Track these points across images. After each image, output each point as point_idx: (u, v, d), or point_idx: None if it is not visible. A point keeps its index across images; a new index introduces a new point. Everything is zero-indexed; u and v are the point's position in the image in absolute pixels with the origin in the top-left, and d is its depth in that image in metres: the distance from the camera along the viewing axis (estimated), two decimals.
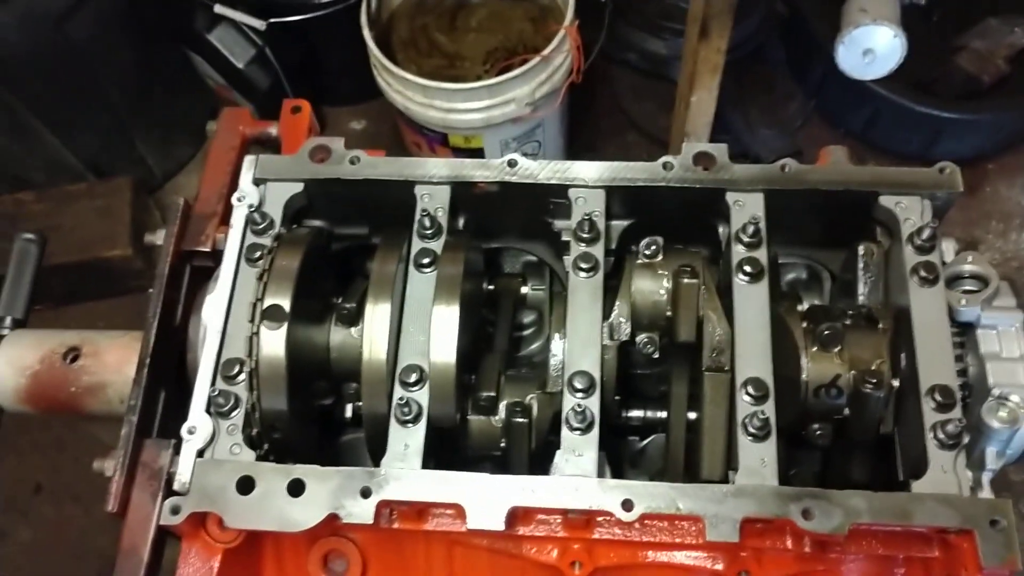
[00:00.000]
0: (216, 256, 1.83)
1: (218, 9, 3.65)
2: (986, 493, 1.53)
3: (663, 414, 1.80)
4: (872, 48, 3.37)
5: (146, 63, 3.80)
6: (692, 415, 1.70)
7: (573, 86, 3.28)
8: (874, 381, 1.54)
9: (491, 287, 1.92)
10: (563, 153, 3.74)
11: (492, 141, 3.33)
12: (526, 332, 2.04)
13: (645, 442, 1.92)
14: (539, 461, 1.64)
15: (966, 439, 1.51)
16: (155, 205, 4.01)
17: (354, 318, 1.73)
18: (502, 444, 1.69)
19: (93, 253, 3.63)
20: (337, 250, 1.93)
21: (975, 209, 3.85)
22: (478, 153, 3.36)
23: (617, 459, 1.86)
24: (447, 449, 1.67)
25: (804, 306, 1.86)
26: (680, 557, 1.62)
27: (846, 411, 1.60)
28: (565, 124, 3.63)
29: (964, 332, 1.64)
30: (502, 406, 1.70)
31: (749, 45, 3.88)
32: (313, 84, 4.04)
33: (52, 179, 3.81)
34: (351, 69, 3.68)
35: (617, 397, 1.75)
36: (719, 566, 1.61)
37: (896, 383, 1.60)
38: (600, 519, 1.58)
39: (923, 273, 1.62)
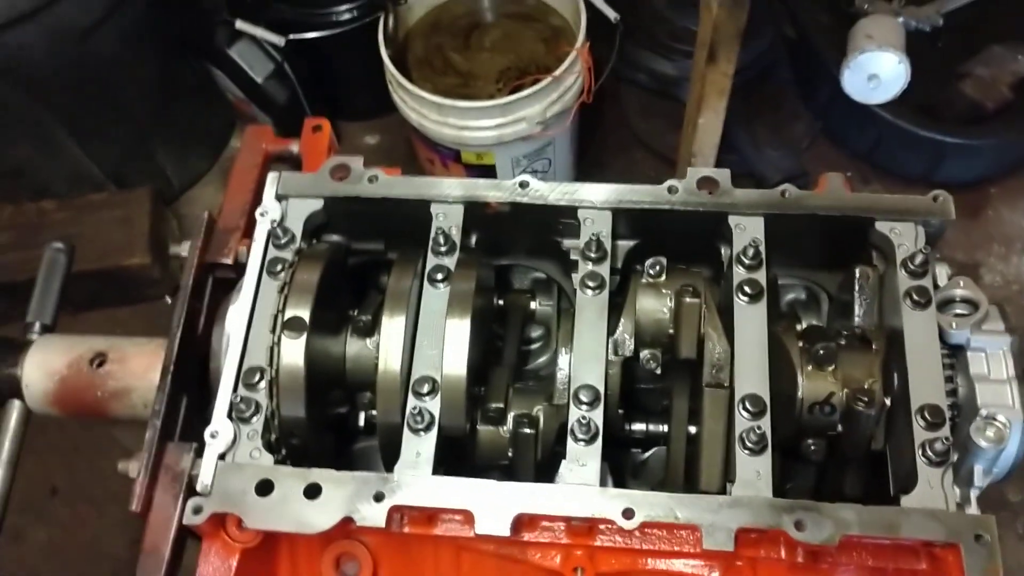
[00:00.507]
0: (238, 268, 1.90)
1: (239, 25, 3.74)
2: (973, 509, 1.59)
3: (664, 428, 1.86)
4: (877, 73, 3.44)
5: (168, 77, 3.89)
6: (692, 429, 1.77)
7: (583, 105, 3.36)
8: (866, 400, 1.61)
9: (501, 303, 1.99)
10: (573, 170, 3.82)
11: (504, 158, 3.40)
12: (534, 346, 2.12)
13: (647, 454, 1.99)
14: (545, 470, 1.70)
15: (954, 457, 1.57)
16: (172, 215, 4.10)
17: (370, 330, 1.81)
18: (509, 454, 1.76)
19: (112, 261, 3.71)
20: (354, 264, 2.00)
21: (977, 232, 3.91)
22: (490, 170, 3.44)
23: (620, 470, 1.93)
24: (457, 458, 1.74)
25: (802, 326, 1.93)
26: (678, 565, 1.68)
27: (839, 428, 1.67)
28: (575, 142, 3.71)
29: (954, 354, 1.71)
30: (510, 417, 1.77)
31: (757, 67, 3.95)
32: (329, 99, 4.13)
33: (74, 189, 3.91)
34: (366, 85, 3.77)
35: (620, 411, 1.81)
36: (715, 574, 1.68)
37: (888, 401, 1.66)
38: (602, 527, 1.65)
39: (915, 297, 1.69)
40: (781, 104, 4.16)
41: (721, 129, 3.25)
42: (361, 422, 1.91)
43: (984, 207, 3.97)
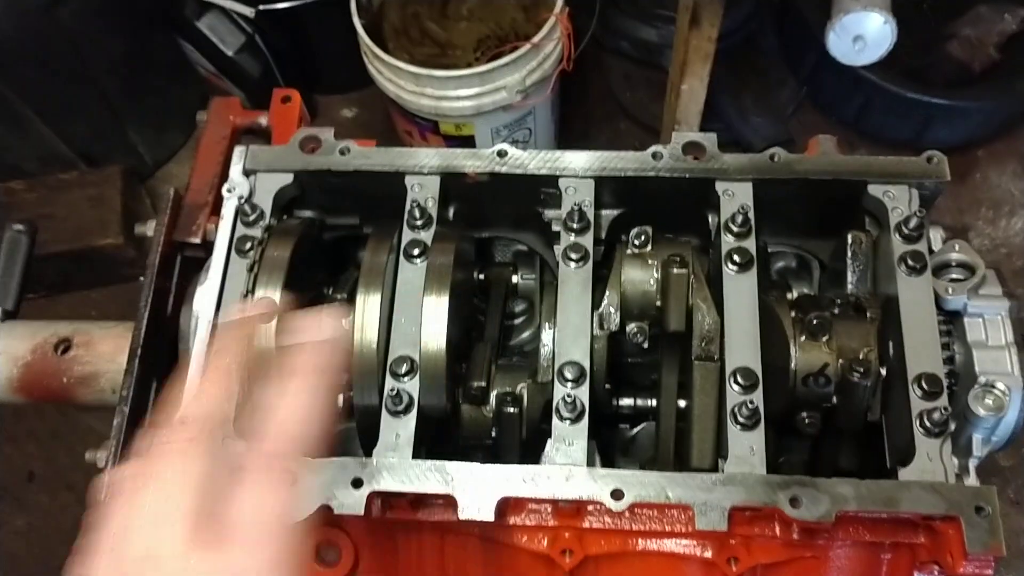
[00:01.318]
0: (207, 247, 1.83)
1: None
2: (972, 480, 1.54)
3: (653, 402, 1.80)
4: (863, 35, 3.36)
5: (137, 51, 3.79)
6: (682, 403, 1.71)
7: (565, 74, 3.28)
8: (861, 370, 1.55)
9: (482, 276, 1.93)
10: (554, 141, 3.75)
11: (483, 129, 3.33)
12: (517, 321, 2.05)
13: (636, 430, 1.93)
14: (530, 450, 1.65)
15: (952, 427, 1.53)
16: (146, 193, 4.02)
17: (345, 309, 1.74)
18: (493, 433, 1.70)
19: (85, 242, 3.63)
20: (329, 240, 1.93)
21: (965, 196, 3.87)
22: (469, 141, 3.36)
23: (608, 448, 1.87)
24: (438, 438, 1.68)
25: (794, 294, 1.87)
26: (670, 545, 1.63)
27: (834, 399, 1.61)
28: (556, 112, 3.64)
29: (951, 320, 1.66)
30: (493, 396, 1.71)
31: (742, 33, 3.88)
32: (304, 72, 4.03)
33: (44, 168, 3.81)
34: (342, 57, 3.67)
35: (607, 386, 1.76)
36: (708, 553, 1.62)
37: (883, 371, 1.61)
38: (590, 507, 1.59)
39: (910, 262, 1.63)
40: (766, 71, 4.09)
41: (705, 96, 3.18)
42: (339, 404, 1.84)
43: (972, 170, 3.93)
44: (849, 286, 1.72)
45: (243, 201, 1.75)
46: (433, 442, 1.64)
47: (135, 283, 1.91)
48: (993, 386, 1.57)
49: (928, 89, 3.67)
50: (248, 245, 1.71)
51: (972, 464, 1.57)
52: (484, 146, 3.33)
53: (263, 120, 2.03)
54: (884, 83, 3.67)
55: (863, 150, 3.98)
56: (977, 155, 3.95)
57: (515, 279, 1.97)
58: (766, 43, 4.07)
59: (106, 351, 1.81)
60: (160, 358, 1.80)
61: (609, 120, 4.14)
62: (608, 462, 1.62)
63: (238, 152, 1.81)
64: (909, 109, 3.70)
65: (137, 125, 4.00)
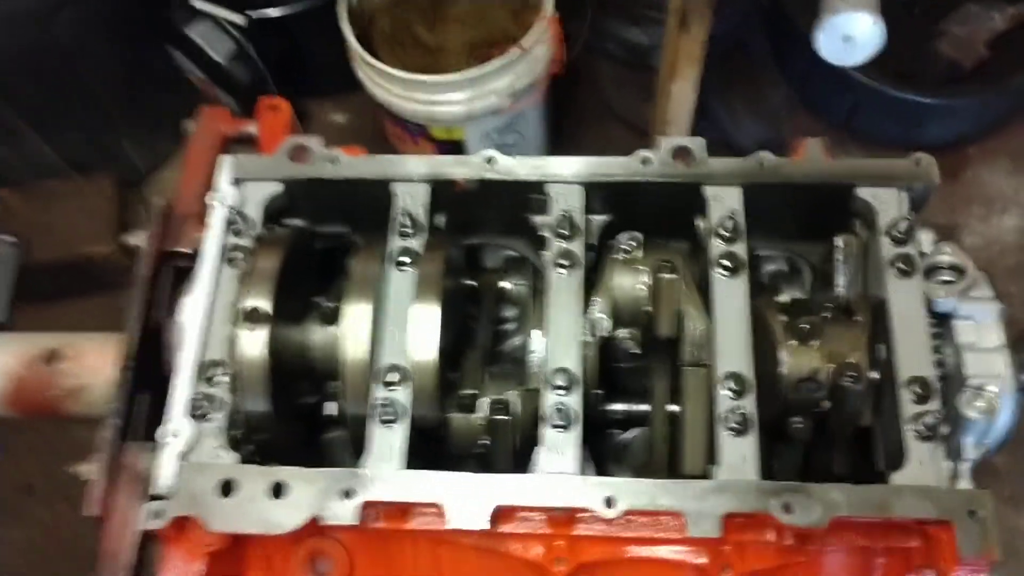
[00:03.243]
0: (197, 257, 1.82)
1: (197, 4, 3.62)
2: (965, 483, 1.54)
3: (645, 407, 1.80)
4: (851, 35, 3.36)
5: (129, 60, 3.78)
6: (674, 408, 1.71)
7: (555, 77, 3.27)
8: (853, 375, 1.55)
9: (472, 283, 1.92)
10: (545, 144, 3.74)
11: (474, 133, 3.32)
12: (508, 327, 2.04)
13: (628, 436, 1.93)
14: (522, 457, 1.64)
15: (945, 431, 1.52)
16: (138, 201, 4.00)
17: (334, 317, 1.73)
18: (485, 441, 1.70)
19: (77, 251, 3.61)
20: (318, 248, 1.92)
21: (957, 194, 3.86)
22: (460, 145, 3.36)
23: (600, 454, 1.86)
24: (430, 447, 1.68)
25: (784, 298, 1.87)
26: (663, 552, 1.62)
27: (825, 404, 1.61)
28: (547, 115, 3.63)
29: (941, 323, 1.65)
30: (484, 403, 1.70)
31: (732, 37, 3.88)
32: (295, 78, 4.01)
33: (35, 177, 3.79)
34: (333, 62, 3.65)
35: (599, 391, 1.75)
36: (702, 560, 1.62)
37: (875, 375, 1.61)
38: (583, 515, 1.58)
39: (900, 265, 1.63)
40: (757, 74, 4.09)
41: (694, 98, 3.17)
42: (332, 411, 1.84)
43: (963, 168, 3.92)
44: (839, 289, 1.72)
45: (232, 211, 1.74)
46: (424, 450, 1.63)
47: (128, 291, 1.90)
48: (984, 389, 1.57)
49: (919, 88, 3.67)
50: (238, 255, 1.70)
51: (965, 467, 1.56)
52: (475, 150, 3.35)
53: (252, 129, 2.03)
54: (874, 83, 3.67)
55: (855, 150, 3.98)
56: (968, 153, 3.95)
57: (505, 285, 1.97)
58: (756, 45, 4.06)
59: (95, 364, 1.81)
60: (150, 370, 1.79)
61: (599, 123, 4.13)
62: (599, 468, 1.62)
63: (225, 162, 1.80)
64: (900, 108, 3.70)
65: (129, 134, 3.98)
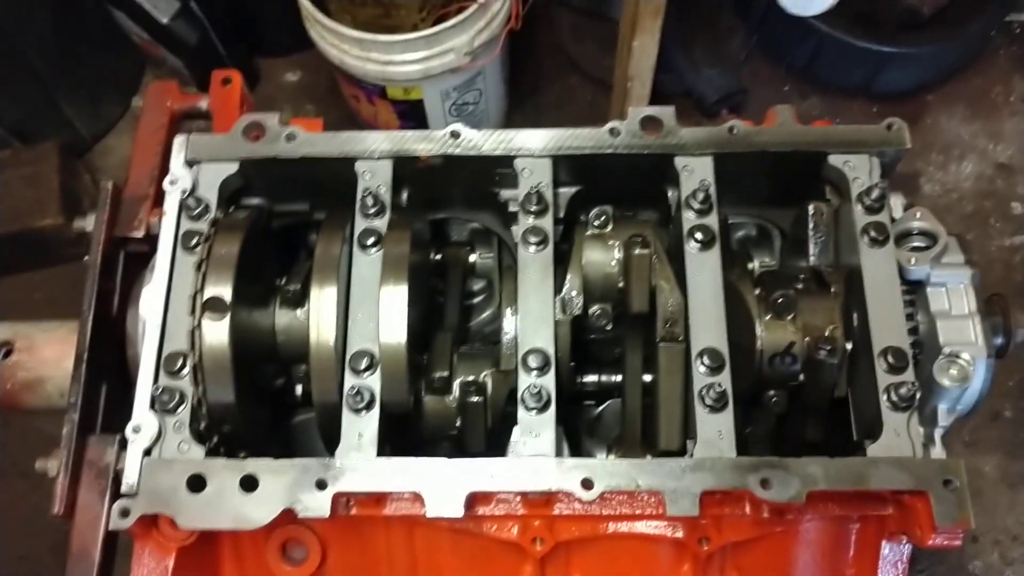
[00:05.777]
0: (151, 241, 1.75)
1: None
2: (938, 450, 1.54)
3: (618, 377, 1.78)
4: None
5: (66, 21, 3.61)
6: (647, 377, 1.69)
7: (512, 31, 3.19)
8: (828, 348, 1.54)
9: (439, 257, 1.88)
10: (505, 100, 3.67)
11: (432, 92, 3.24)
12: (476, 300, 2.00)
13: (601, 408, 1.91)
14: (496, 438, 1.62)
15: (918, 399, 1.52)
16: (85, 168, 3.86)
17: (299, 300, 1.69)
18: (458, 424, 1.67)
19: (24, 223, 3.47)
20: (278, 227, 1.86)
21: (916, 141, 3.77)
22: (418, 104, 3.28)
23: (574, 429, 1.85)
24: (402, 432, 1.65)
25: (755, 264, 1.85)
26: (641, 527, 1.62)
27: (801, 377, 1.60)
28: (506, 71, 3.55)
29: (914, 290, 1.64)
30: (456, 385, 1.67)
31: None
32: (244, 36, 3.88)
33: None
34: (284, 18, 3.52)
35: (572, 363, 1.73)
36: (679, 534, 1.62)
37: (849, 346, 1.60)
38: (560, 495, 1.57)
39: (873, 233, 1.61)
40: (716, 20, 4.03)
41: (657, 51, 3.12)
42: (299, 394, 1.80)
43: (922, 115, 3.92)
44: (811, 258, 1.70)
45: (187, 195, 1.67)
46: (396, 435, 1.60)
47: (79, 263, 1.83)
48: (957, 356, 1.56)
49: (878, 35, 3.64)
50: (194, 240, 1.64)
51: (938, 434, 1.57)
52: (434, 109, 3.30)
53: (203, 104, 1.94)
54: (834, 30, 3.63)
55: (815, 98, 3.96)
56: (927, 100, 3.94)
57: (472, 258, 1.93)
58: None
59: (50, 356, 1.74)
60: (109, 361, 1.73)
61: (560, 75, 4.05)
62: (574, 443, 1.60)
63: (178, 143, 1.73)
64: (859, 55, 3.67)
65: (70, 98, 3.82)
